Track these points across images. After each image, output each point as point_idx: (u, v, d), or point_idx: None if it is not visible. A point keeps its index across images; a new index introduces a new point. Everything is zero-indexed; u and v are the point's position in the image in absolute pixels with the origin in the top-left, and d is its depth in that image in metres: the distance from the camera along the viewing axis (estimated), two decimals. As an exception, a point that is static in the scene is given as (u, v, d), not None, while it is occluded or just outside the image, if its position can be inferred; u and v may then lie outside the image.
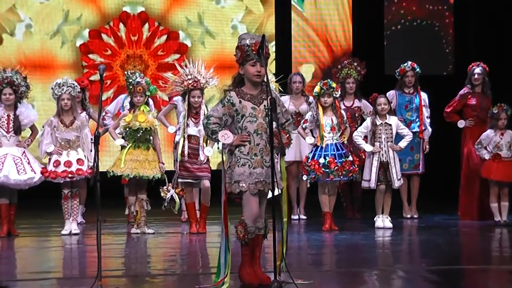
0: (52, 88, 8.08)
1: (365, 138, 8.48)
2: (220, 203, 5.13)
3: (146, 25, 12.26)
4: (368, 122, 8.52)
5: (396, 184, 8.40)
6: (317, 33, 12.77)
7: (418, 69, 9.38)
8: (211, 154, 8.09)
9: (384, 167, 8.35)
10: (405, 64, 9.40)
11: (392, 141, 8.41)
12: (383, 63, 12.53)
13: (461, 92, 9.26)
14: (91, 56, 12.13)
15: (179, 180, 8.04)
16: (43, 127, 8.18)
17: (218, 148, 5.73)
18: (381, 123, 8.41)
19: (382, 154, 8.36)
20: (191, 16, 12.39)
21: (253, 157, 5.05)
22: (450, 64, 12.69)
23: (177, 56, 12.05)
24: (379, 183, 8.34)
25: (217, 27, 12.43)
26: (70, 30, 12.05)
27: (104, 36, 12.19)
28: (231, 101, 5.09)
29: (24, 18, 11.98)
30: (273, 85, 8.50)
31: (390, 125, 8.42)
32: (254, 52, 5.06)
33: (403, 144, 8.46)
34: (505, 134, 8.68)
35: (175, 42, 12.33)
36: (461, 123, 9.21)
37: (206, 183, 8.06)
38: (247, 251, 5.09)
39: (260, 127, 5.07)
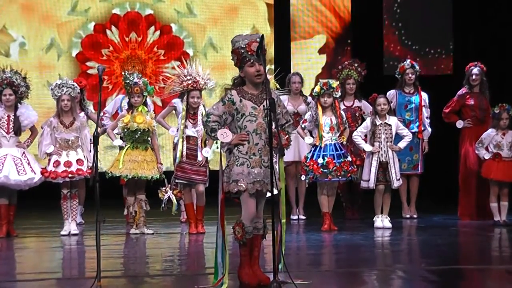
0: (52, 89, 8.08)
1: (365, 138, 8.49)
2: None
3: (152, 28, 12.26)
4: (368, 122, 8.52)
5: (395, 184, 8.40)
6: (323, 2, 12.74)
7: (417, 67, 9.39)
8: (209, 155, 8.08)
9: (383, 167, 8.35)
10: (405, 62, 9.41)
11: (391, 141, 8.41)
12: (381, 63, 12.50)
13: (459, 92, 9.27)
14: (88, 63, 12.09)
15: (176, 180, 8.04)
16: (42, 127, 8.18)
17: (217, 147, 5.72)
18: (381, 123, 8.41)
19: (382, 154, 8.36)
20: (180, 7, 12.35)
21: (252, 156, 5.03)
22: (451, 61, 12.65)
23: (178, 63, 12.03)
24: (378, 183, 8.34)
25: (221, 41, 12.36)
26: (64, 40, 11.99)
27: (108, 32, 12.17)
28: (232, 99, 5.07)
29: (16, 38, 11.95)
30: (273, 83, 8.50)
31: (390, 125, 8.42)
32: (249, 53, 5.05)
33: (402, 144, 8.47)
34: (507, 134, 8.67)
35: (175, 49, 12.30)
36: (459, 124, 9.22)
37: (201, 187, 8.06)
38: (245, 252, 5.09)
39: (260, 127, 5.05)
